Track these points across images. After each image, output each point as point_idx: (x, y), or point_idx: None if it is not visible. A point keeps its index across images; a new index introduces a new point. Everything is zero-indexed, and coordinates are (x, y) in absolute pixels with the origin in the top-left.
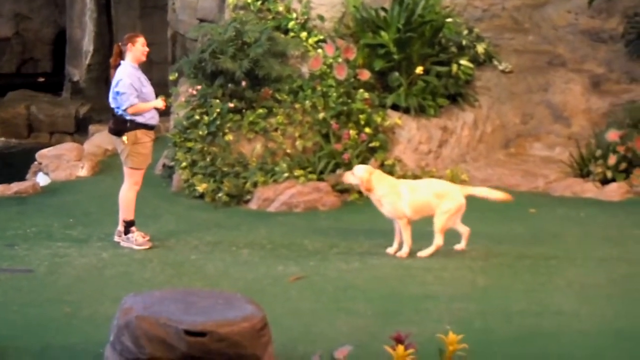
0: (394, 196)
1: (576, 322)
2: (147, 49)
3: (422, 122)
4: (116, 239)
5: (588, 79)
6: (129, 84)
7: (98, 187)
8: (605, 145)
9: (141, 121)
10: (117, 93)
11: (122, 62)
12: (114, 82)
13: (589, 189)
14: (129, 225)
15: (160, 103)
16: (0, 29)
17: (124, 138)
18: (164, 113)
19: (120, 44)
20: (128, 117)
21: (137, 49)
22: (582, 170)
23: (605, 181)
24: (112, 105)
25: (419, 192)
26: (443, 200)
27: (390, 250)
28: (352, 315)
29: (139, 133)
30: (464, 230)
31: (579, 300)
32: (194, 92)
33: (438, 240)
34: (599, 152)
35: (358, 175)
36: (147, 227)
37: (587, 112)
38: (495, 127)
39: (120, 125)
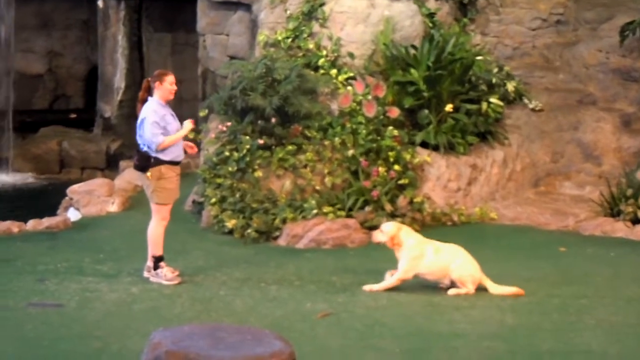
0: (418, 252)
1: None
2: (175, 88)
3: (452, 160)
4: (145, 274)
5: (619, 118)
6: (152, 123)
7: (128, 222)
8: (636, 184)
9: (166, 158)
10: (141, 136)
11: (149, 98)
12: (139, 120)
13: (619, 229)
14: (158, 260)
15: (188, 127)
16: (33, 65)
17: (148, 174)
18: None
19: (149, 79)
20: (152, 154)
21: (164, 88)
22: (612, 209)
23: (636, 221)
24: (138, 141)
25: (442, 255)
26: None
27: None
28: (380, 352)
29: (164, 168)
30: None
31: (608, 340)
32: (224, 129)
33: (470, 288)
34: (629, 192)
35: (386, 230)
36: (176, 262)
37: (618, 151)
38: (525, 166)
39: (145, 162)
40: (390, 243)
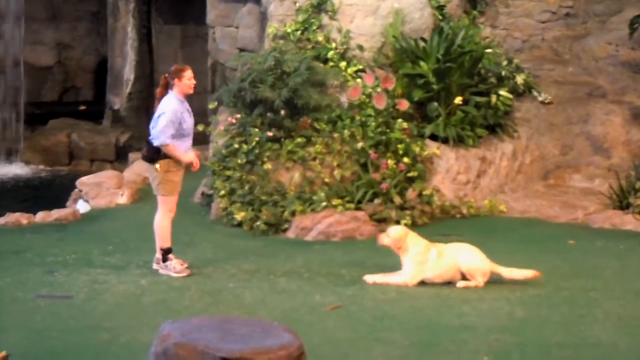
0: (422, 257)
1: (615, 354)
2: (194, 82)
3: (461, 153)
4: (155, 266)
5: (628, 111)
6: (168, 121)
7: (137, 214)
8: None
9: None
10: (154, 127)
11: (169, 92)
12: (157, 113)
13: (628, 221)
14: (166, 252)
15: (189, 158)
16: (43, 57)
17: (157, 166)
18: (203, 142)
19: (167, 75)
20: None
21: (183, 84)
22: (621, 202)
23: None
24: (151, 133)
25: (445, 257)
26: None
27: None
28: (389, 345)
29: (172, 162)
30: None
31: (617, 333)
32: (233, 121)
33: (479, 281)
34: (639, 184)
35: (392, 234)
36: (185, 254)
37: (627, 143)
38: (534, 158)
39: (154, 153)
40: (395, 246)
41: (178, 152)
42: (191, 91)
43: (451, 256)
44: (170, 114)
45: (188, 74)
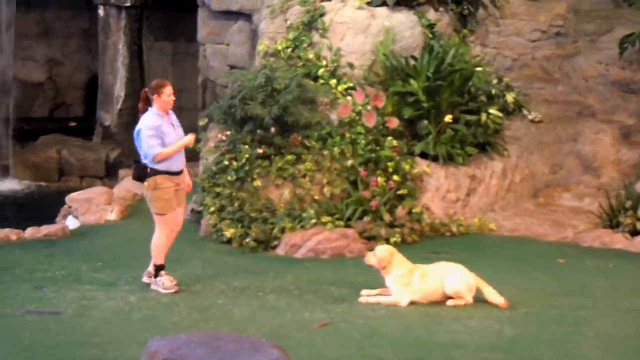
0: (406, 280)
1: None
2: (173, 99)
3: (451, 171)
4: (145, 279)
5: (618, 130)
6: (148, 135)
7: (127, 231)
8: (636, 196)
9: (161, 169)
10: (139, 147)
11: (149, 109)
12: (135, 131)
13: (618, 240)
14: (159, 269)
15: (187, 140)
16: (34, 74)
17: (145, 184)
18: (194, 158)
19: (147, 90)
20: (150, 165)
21: (163, 100)
22: (611, 221)
23: (635, 233)
24: (140, 153)
25: (429, 279)
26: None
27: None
28: None
29: (159, 179)
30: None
31: (606, 351)
32: (224, 138)
33: (468, 299)
34: (629, 204)
35: (378, 254)
36: (175, 271)
37: (617, 163)
38: (524, 177)
39: (141, 172)
40: (380, 266)
41: (172, 148)
42: (170, 107)
43: (435, 277)
44: (147, 127)
45: (168, 90)
